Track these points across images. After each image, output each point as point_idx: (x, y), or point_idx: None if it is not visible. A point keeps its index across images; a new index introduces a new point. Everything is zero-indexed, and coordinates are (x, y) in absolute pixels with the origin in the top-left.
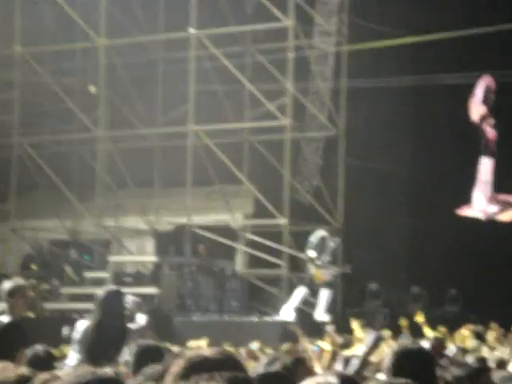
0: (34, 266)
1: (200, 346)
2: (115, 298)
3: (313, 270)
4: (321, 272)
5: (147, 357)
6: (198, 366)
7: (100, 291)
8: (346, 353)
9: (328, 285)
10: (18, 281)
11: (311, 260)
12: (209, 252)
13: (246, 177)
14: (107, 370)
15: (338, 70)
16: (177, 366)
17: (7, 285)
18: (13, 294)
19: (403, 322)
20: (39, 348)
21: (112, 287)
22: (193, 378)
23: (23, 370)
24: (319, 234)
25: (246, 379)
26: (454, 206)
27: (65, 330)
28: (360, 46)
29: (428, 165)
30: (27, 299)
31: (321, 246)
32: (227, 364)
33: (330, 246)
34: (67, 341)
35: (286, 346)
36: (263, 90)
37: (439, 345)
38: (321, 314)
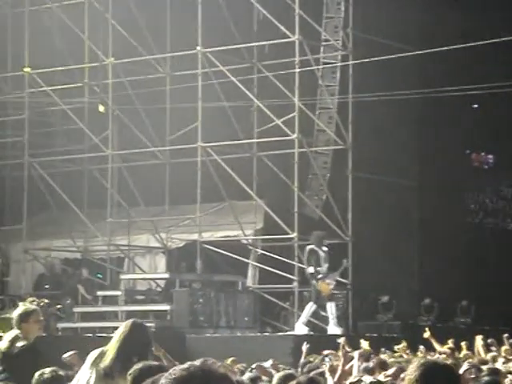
0: (47, 286)
1: None
2: (138, 331)
3: (317, 284)
4: (325, 283)
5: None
6: None
7: (124, 323)
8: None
9: (330, 297)
10: (30, 305)
11: (312, 276)
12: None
13: (256, 192)
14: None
15: (344, 85)
16: None
17: (19, 310)
18: (26, 318)
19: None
20: (46, 370)
21: (135, 320)
22: None
23: None
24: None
25: None
26: (464, 216)
27: None
28: (365, 59)
29: (436, 176)
30: (40, 323)
31: (315, 260)
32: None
33: (321, 255)
34: None
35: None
36: (271, 105)
37: (399, 371)
38: (333, 328)
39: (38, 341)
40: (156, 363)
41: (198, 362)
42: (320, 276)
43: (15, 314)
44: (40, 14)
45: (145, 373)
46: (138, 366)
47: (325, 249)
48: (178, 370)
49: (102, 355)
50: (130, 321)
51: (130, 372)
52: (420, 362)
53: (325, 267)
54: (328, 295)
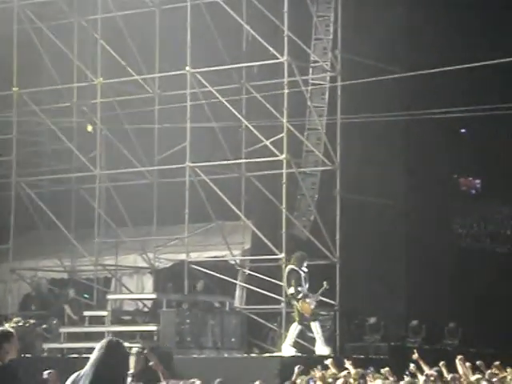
0: (33, 306)
1: None
2: (115, 350)
3: (298, 305)
4: (306, 303)
5: None
6: None
7: (99, 343)
8: None
9: (313, 317)
10: (6, 327)
11: (292, 297)
12: (205, 288)
13: (244, 212)
14: None
15: (333, 106)
16: None
17: None
18: (1, 340)
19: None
20: None
21: (112, 338)
22: None
23: None
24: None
25: None
26: (452, 240)
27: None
28: (354, 81)
29: (424, 199)
30: (15, 345)
31: (295, 280)
32: None
33: (302, 275)
34: None
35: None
36: (260, 126)
37: None
38: (320, 347)
39: (12, 364)
40: None
41: None
42: (300, 296)
43: None
44: (28, 34)
45: None
46: None
47: (305, 269)
48: None
49: (79, 379)
50: (104, 341)
51: None
52: None
53: (305, 287)
54: (310, 315)
